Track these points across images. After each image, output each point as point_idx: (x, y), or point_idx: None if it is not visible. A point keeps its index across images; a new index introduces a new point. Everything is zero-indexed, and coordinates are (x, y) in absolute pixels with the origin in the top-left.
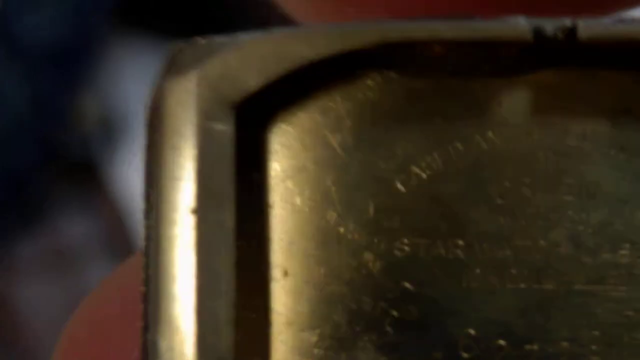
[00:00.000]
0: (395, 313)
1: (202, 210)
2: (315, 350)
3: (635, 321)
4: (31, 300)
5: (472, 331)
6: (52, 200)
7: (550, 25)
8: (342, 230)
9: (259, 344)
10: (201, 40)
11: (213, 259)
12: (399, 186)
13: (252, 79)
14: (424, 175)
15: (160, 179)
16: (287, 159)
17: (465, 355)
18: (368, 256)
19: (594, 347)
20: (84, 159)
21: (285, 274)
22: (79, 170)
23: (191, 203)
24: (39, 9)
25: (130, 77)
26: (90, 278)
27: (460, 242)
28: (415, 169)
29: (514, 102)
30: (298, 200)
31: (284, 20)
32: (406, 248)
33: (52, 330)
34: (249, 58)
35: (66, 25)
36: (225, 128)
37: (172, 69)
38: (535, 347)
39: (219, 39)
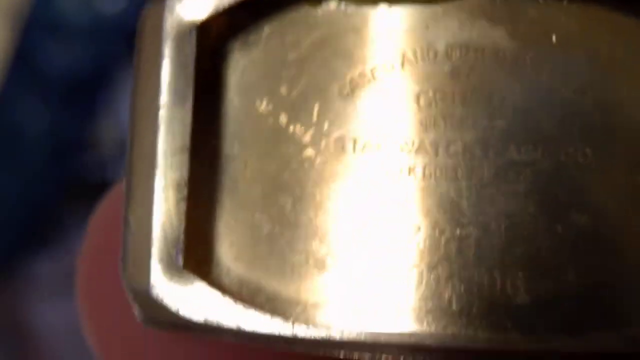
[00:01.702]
0: (330, 198)
1: (167, 107)
2: (264, 229)
3: (531, 210)
4: (47, 320)
5: (394, 214)
6: (68, 221)
7: None
8: (291, 129)
9: (215, 221)
10: None
11: (173, 149)
12: (339, 95)
13: (211, 5)
14: (360, 86)
15: (137, 85)
16: (248, 71)
17: (390, 236)
18: (311, 154)
19: (496, 231)
20: (100, 181)
21: (245, 165)
22: (95, 192)
23: (157, 102)
24: (59, 40)
25: None
26: None
27: (390, 142)
28: (356, 80)
29: (438, 26)
30: (256, 106)
31: None
32: (342, 148)
33: (67, 349)
34: None
35: (84, 53)
36: (188, 44)
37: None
38: (444, 230)
39: None
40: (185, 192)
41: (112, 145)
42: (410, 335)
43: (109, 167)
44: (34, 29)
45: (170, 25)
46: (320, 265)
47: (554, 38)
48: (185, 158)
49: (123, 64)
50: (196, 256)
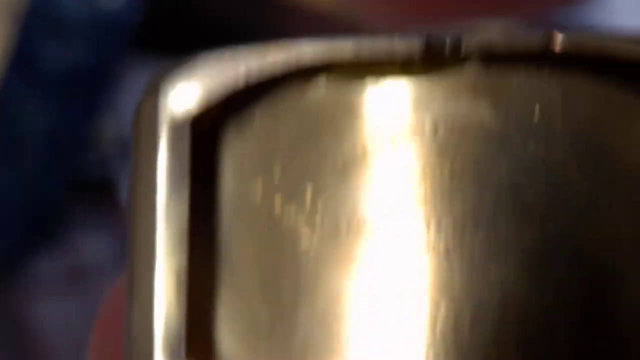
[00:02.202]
0: (328, 282)
1: (164, 199)
2: (266, 317)
3: (522, 285)
4: (48, 317)
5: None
6: (69, 218)
7: (440, 39)
8: (286, 212)
9: (214, 313)
10: (169, 64)
11: (171, 245)
12: (332, 178)
13: (203, 95)
14: (354, 165)
15: (134, 177)
16: (242, 156)
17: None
18: (306, 237)
19: (490, 308)
20: (100, 179)
21: (243, 252)
22: (95, 190)
23: (154, 194)
24: (59, 37)
25: None
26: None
27: (385, 223)
28: (346, 162)
29: (424, 102)
30: (253, 195)
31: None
32: (336, 229)
33: (68, 347)
34: (199, 78)
35: (84, 50)
36: (182, 137)
37: (146, 88)
38: (441, 306)
39: (182, 61)
40: (185, 281)
41: (113, 143)
42: None
43: (110, 164)
44: (33, 26)
45: (164, 118)
46: (321, 352)
47: (537, 110)
48: (184, 248)
49: (123, 61)
50: (198, 347)
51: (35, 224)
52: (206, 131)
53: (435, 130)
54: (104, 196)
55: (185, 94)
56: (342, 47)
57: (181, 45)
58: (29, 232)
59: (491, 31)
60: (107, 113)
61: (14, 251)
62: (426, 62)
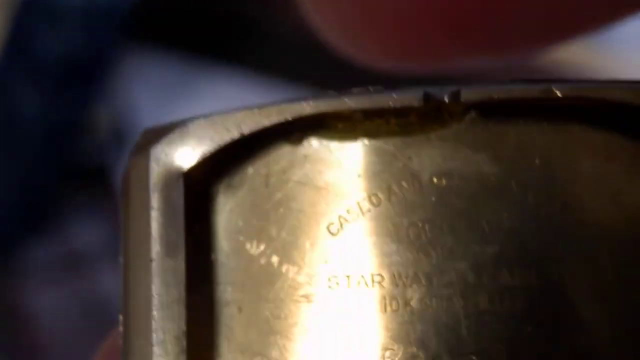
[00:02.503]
0: (326, 339)
1: (158, 260)
2: None
3: (531, 331)
4: (44, 305)
5: (393, 350)
6: (64, 206)
7: (438, 92)
8: (283, 270)
9: None
10: (157, 126)
11: (168, 300)
12: (329, 232)
13: (195, 154)
14: (349, 221)
15: (127, 237)
16: (236, 214)
17: None
18: (305, 294)
19: (497, 356)
20: (96, 167)
21: (240, 310)
22: (91, 178)
23: (149, 254)
24: (54, 25)
25: (141, 88)
26: (102, 282)
27: (384, 276)
28: (344, 216)
29: (421, 156)
30: (247, 248)
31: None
32: (336, 285)
33: (64, 334)
34: (191, 138)
35: (79, 38)
36: (175, 193)
37: (135, 149)
38: (446, 359)
39: (170, 123)
40: (184, 344)
41: (108, 130)
42: None
43: (106, 152)
44: (28, 14)
45: (156, 175)
46: None
47: (536, 160)
48: (182, 309)
49: (118, 49)
50: None
51: (29, 211)
52: (199, 188)
53: (432, 184)
54: (98, 183)
55: (176, 152)
56: (337, 104)
57: (175, 34)
58: (23, 219)
59: (489, 82)
60: (101, 101)
61: (8, 238)
62: (425, 115)
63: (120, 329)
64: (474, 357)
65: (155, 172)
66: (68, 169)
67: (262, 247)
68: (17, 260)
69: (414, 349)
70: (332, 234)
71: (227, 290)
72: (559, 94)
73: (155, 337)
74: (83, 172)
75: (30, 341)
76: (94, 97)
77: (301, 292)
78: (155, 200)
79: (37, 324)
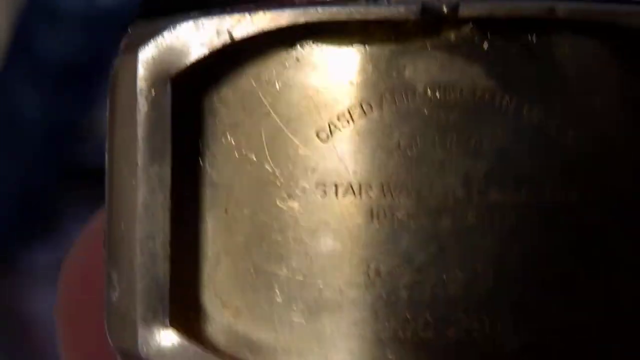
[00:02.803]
0: (313, 245)
1: (144, 166)
2: (249, 277)
3: (517, 252)
4: (44, 308)
5: (378, 261)
6: (65, 208)
7: (437, 4)
8: (270, 175)
9: (199, 272)
10: (146, 23)
11: (153, 205)
12: (318, 138)
13: (184, 58)
14: (339, 129)
15: (113, 140)
16: (225, 119)
17: (375, 281)
18: (292, 200)
19: (483, 275)
20: (96, 168)
21: (226, 211)
22: (91, 179)
23: (135, 159)
24: (54, 26)
25: None
26: None
27: (371, 190)
28: (334, 123)
29: (416, 66)
30: (236, 153)
31: None
32: (323, 192)
33: None
34: (180, 41)
35: (81, 40)
36: (163, 98)
37: (124, 48)
38: (432, 274)
39: (161, 21)
40: (168, 245)
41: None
42: None
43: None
44: (30, 16)
45: (144, 79)
46: (307, 314)
47: (533, 77)
48: (166, 214)
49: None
50: (182, 311)
51: (29, 213)
52: (188, 90)
53: (426, 95)
54: (98, 184)
55: (165, 56)
56: (333, 13)
57: None
58: (23, 220)
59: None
60: (101, 102)
61: (8, 240)
62: (422, 27)
63: (105, 212)
64: (458, 272)
65: (143, 75)
66: (68, 170)
67: (250, 152)
68: (17, 261)
69: (399, 261)
70: (321, 140)
71: (214, 193)
72: (561, 14)
73: (140, 243)
74: (83, 173)
75: (30, 343)
76: (94, 98)
77: (288, 198)
78: (142, 105)
79: (37, 325)
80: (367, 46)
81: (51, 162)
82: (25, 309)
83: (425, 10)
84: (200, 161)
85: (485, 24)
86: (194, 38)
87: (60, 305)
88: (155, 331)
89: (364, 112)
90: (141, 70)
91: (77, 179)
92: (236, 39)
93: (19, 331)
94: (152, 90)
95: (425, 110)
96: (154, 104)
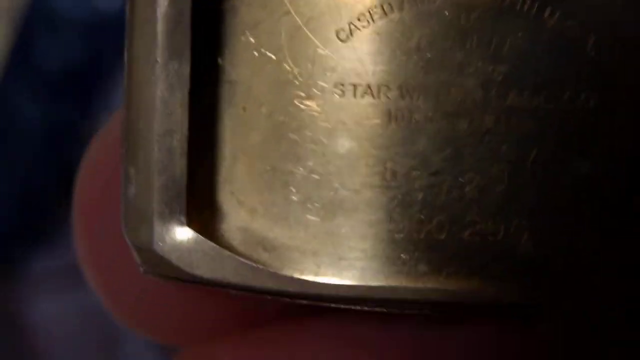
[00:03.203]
0: (330, 145)
1: (163, 63)
2: (265, 176)
3: (534, 156)
4: (45, 313)
5: (394, 162)
6: (64, 215)
7: None
8: (289, 75)
9: (215, 170)
10: None
11: (172, 102)
12: (338, 38)
13: None
14: (359, 29)
15: (132, 37)
16: (245, 18)
17: (391, 182)
18: (311, 99)
19: (498, 178)
20: None
21: (244, 110)
22: None
23: (154, 56)
24: (55, 33)
25: None
26: None
27: (390, 91)
28: (354, 23)
29: None
30: (255, 52)
31: None
32: (342, 92)
33: (63, 345)
34: None
35: (80, 47)
36: None
37: None
38: (445, 177)
39: None
40: (185, 142)
41: None
42: (415, 290)
43: None
44: (31, 23)
45: None
46: (322, 213)
47: None
48: (184, 112)
49: (119, 58)
50: (198, 208)
51: (30, 220)
52: None
53: None
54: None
55: None
56: None
57: None
58: (24, 228)
59: None
60: (102, 109)
61: (8, 243)
62: None
63: (123, 114)
64: (474, 175)
65: None
66: (68, 178)
67: (269, 51)
68: (18, 268)
69: (415, 163)
70: (341, 40)
71: (232, 91)
72: None
73: (158, 140)
74: None
75: (31, 350)
76: (94, 106)
77: (307, 97)
78: (162, 1)
79: (37, 333)
80: None
81: (50, 170)
82: (25, 315)
83: None
84: (220, 60)
85: None
86: None
87: (77, 198)
88: (171, 227)
89: (385, 13)
90: None
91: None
92: None
93: (18, 336)
94: None
95: (446, 12)
96: (174, 1)
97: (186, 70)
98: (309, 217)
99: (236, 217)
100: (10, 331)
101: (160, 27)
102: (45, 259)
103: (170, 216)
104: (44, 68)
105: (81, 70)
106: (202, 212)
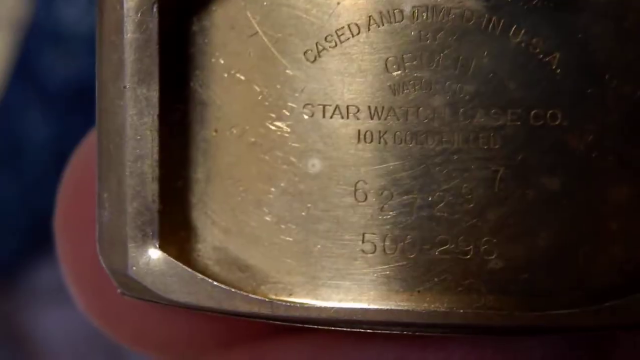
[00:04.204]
0: (301, 165)
1: (132, 88)
2: (238, 197)
3: (502, 174)
4: (48, 328)
5: (365, 182)
6: None
7: None
8: (259, 96)
9: (189, 192)
10: None
11: (141, 127)
12: (306, 59)
13: None
14: (327, 49)
15: (101, 62)
16: (213, 41)
17: (362, 202)
18: (281, 120)
19: (467, 196)
20: None
21: (215, 132)
22: None
23: (122, 82)
24: (59, 49)
25: None
26: None
27: (359, 111)
28: (322, 44)
29: None
30: (225, 73)
31: None
32: (311, 113)
33: (67, 354)
34: None
35: (85, 63)
36: (150, 17)
37: None
38: (415, 196)
39: None
40: (157, 167)
41: None
42: (387, 311)
43: None
44: (35, 39)
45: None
46: (295, 233)
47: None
48: (154, 134)
49: None
50: (173, 230)
51: (35, 234)
52: (175, 16)
53: (414, 16)
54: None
55: None
56: None
57: None
58: (29, 242)
59: None
60: None
61: (14, 260)
62: None
63: (95, 138)
64: (444, 194)
65: None
66: None
67: (239, 72)
68: (21, 283)
69: (385, 182)
70: (309, 61)
71: (203, 114)
72: None
73: (129, 165)
74: None
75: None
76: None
77: (277, 118)
78: (129, 27)
79: (42, 346)
80: None
81: (55, 184)
82: (29, 327)
83: None
84: (190, 82)
85: None
86: None
87: (59, 217)
88: (145, 252)
89: (352, 34)
90: None
91: None
92: None
93: (21, 351)
94: (139, 12)
95: (412, 32)
96: (140, 26)
97: (155, 94)
98: (283, 237)
99: (211, 238)
100: (15, 344)
101: (127, 52)
102: (51, 273)
103: (143, 241)
104: (50, 84)
105: (88, 85)
106: (177, 233)
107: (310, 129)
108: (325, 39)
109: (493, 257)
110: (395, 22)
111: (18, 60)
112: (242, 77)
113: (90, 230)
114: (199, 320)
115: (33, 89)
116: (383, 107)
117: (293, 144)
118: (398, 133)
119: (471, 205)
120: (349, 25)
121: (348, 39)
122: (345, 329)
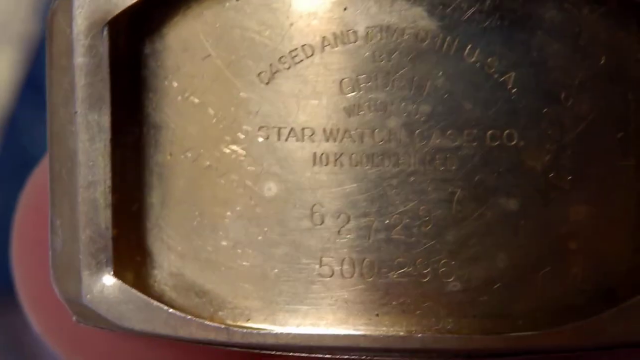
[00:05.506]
0: (257, 189)
1: (83, 113)
2: (194, 221)
3: (459, 195)
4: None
5: (321, 205)
6: None
7: None
8: (213, 119)
9: (144, 217)
10: None
11: (93, 153)
12: (260, 81)
13: (121, 1)
14: (280, 71)
15: (52, 88)
16: (165, 64)
17: (319, 225)
18: (235, 143)
19: (424, 218)
20: None
21: (170, 155)
22: None
23: (73, 107)
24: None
25: None
26: None
27: (314, 134)
28: (276, 66)
29: (357, 7)
30: (179, 96)
31: None
32: (266, 136)
33: None
34: None
35: None
36: (99, 42)
37: None
38: (373, 219)
39: None
40: (109, 193)
41: None
42: (345, 336)
43: None
44: (43, 55)
45: (81, 23)
46: (252, 257)
47: (476, 17)
48: (107, 160)
49: None
50: (128, 256)
51: None
52: (126, 39)
53: (368, 37)
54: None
55: (97, 2)
56: None
57: None
58: None
59: None
60: None
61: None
62: None
63: (47, 164)
64: (401, 216)
65: (78, 21)
66: None
67: (193, 95)
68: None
69: (342, 205)
70: (262, 83)
71: (157, 138)
72: None
73: (81, 192)
74: None
75: None
76: None
77: (231, 141)
78: (78, 52)
79: (47, 353)
80: None
81: None
82: (31, 341)
83: None
84: (143, 105)
85: None
86: None
87: (15, 240)
88: (99, 280)
89: (305, 55)
90: (77, 16)
91: None
92: None
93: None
94: (89, 37)
95: (367, 53)
96: (90, 50)
97: (106, 119)
98: (239, 261)
99: (167, 263)
100: (17, 355)
101: (77, 77)
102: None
103: (97, 268)
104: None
105: None
106: (133, 258)
107: (266, 151)
108: (279, 60)
109: (451, 279)
110: (349, 43)
111: (27, 74)
112: (196, 100)
113: (46, 255)
114: (157, 346)
115: (42, 103)
116: (338, 129)
117: (249, 167)
118: (354, 155)
119: (429, 228)
120: (302, 47)
121: (302, 60)
122: (302, 355)
